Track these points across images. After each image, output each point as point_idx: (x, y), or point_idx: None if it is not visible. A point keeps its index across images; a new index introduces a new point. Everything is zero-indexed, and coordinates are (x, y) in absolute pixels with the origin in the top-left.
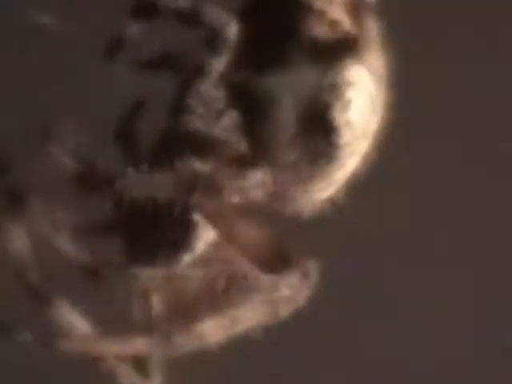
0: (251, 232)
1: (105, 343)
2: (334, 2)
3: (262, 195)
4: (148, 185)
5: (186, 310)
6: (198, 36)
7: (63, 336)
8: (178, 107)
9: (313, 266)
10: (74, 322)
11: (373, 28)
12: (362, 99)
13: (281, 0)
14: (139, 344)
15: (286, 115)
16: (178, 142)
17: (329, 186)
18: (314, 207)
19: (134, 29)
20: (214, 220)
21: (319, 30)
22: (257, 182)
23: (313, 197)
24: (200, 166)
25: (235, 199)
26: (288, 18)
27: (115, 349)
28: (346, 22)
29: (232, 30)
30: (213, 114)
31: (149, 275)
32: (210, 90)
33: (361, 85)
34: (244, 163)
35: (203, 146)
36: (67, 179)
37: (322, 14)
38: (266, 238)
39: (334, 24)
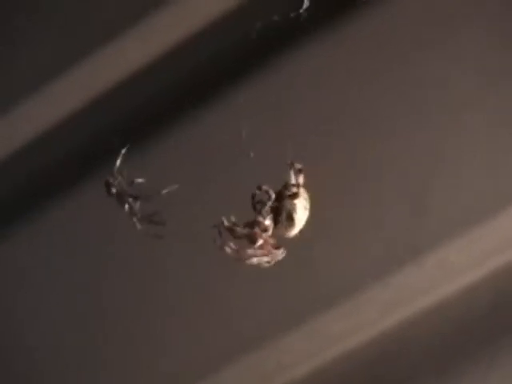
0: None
1: None
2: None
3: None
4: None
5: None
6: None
7: None
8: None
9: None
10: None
11: (303, 186)
12: (301, 209)
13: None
14: None
15: (284, 216)
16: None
17: (294, 230)
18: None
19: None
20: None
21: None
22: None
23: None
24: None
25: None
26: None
27: None
28: (295, 188)
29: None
30: (266, 214)
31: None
32: (268, 209)
33: (300, 204)
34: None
35: (260, 223)
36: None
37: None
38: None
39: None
